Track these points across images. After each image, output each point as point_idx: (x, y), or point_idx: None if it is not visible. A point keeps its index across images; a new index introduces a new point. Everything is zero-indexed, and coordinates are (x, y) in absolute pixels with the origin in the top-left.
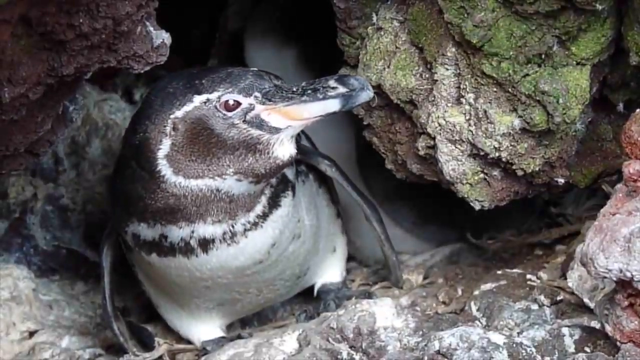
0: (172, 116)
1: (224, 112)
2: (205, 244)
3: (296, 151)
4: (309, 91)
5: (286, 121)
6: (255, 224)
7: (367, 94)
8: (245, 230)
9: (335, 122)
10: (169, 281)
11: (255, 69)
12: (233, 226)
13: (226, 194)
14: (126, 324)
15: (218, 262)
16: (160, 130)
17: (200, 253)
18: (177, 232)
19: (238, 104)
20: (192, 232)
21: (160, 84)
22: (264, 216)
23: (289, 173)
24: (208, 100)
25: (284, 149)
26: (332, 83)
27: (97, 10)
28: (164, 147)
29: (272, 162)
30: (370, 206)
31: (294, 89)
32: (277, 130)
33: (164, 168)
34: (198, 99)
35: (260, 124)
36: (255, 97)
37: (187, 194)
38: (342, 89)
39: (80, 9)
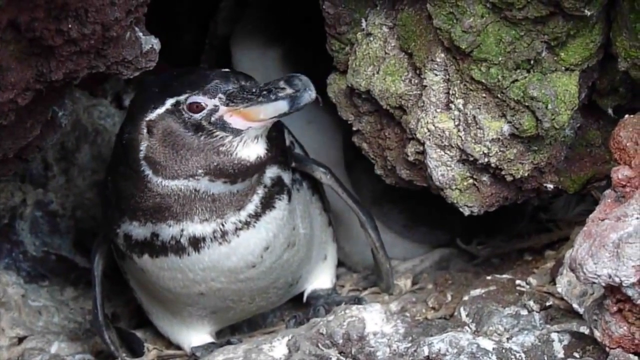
0: (146, 119)
1: (190, 114)
2: (196, 242)
3: (265, 151)
4: (265, 92)
5: (246, 122)
6: (247, 224)
7: (309, 95)
8: (236, 229)
9: (322, 127)
10: (162, 287)
11: (224, 69)
12: (223, 225)
13: (206, 194)
14: (116, 330)
15: (210, 262)
16: (139, 132)
17: (192, 252)
18: (168, 231)
19: (203, 105)
20: (182, 230)
21: (144, 85)
22: (257, 216)
23: (286, 177)
24: (177, 102)
25: (249, 150)
26: (281, 84)
27: (86, 15)
28: (143, 149)
29: (238, 162)
30: (366, 213)
31: (254, 90)
32: (238, 131)
33: (146, 169)
34: (169, 102)
35: (223, 125)
36: (220, 98)
37: (169, 193)
38: (289, 90)
39: (69, 14)
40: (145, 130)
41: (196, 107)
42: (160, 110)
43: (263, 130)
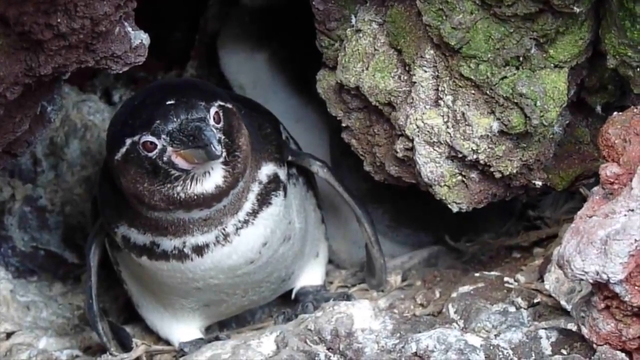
0: (115, 157)
1: (145, 152)
2: (200, 249)
3: (224, 179)
4: (191, 137)
5: (188, 163)
6: (246, 222)
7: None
8: (237, 229)
9: (310, 126)
10: (158, 282)
11: (168, 102)
12: (224, 229)
13: (192, 218)
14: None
15: (212, 263)
16: (115, 168)
17: (196, 257)
18: (169, 243)
19: (154, 145)
20: (184, 242)
21: (112, 120)
22: (254, 213)
23: (281, 174)
24: (133, 142)
25: (204, 185)
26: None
27: (75, 10)
28: (123, 183)
29: (198, 196)
30: (362, 207)
31: (189, 129)
32: (187, 171)
33: (131, 198)
34: (128, 141)
35: (173, 165)
36: (164, 139)
37: (158, 219)
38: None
39: (58, 8)
40: (118, 168)
41: (150, 145)
42: (123, 150)
43: (212, 163)
